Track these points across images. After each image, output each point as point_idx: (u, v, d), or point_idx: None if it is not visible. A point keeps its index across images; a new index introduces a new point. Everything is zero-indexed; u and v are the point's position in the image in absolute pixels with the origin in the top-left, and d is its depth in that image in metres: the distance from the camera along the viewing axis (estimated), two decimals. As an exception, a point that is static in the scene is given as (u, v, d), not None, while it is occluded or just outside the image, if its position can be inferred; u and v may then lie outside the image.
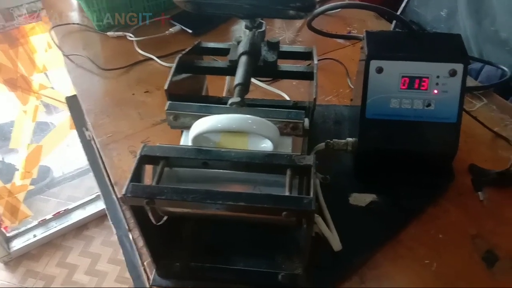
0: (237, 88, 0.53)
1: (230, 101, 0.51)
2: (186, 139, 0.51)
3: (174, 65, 0.58)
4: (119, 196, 0.73)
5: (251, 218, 0.53)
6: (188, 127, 0.50)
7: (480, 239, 0.62)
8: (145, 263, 0.62)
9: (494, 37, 1.20)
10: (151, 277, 0.58)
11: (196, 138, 0.48)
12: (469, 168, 0.71)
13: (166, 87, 0.54)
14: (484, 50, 1.17)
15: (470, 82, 0.90)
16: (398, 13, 0.66)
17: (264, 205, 0.42)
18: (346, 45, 0.99)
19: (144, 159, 0.47)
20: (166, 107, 0.51)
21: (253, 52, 0.58)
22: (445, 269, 0.59)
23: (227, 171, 0.49)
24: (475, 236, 0.62)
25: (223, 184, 0.50)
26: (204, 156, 0.47)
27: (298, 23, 1.07)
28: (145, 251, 0.57)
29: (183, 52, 0.62)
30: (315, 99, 0.54)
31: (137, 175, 0.46)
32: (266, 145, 0.50)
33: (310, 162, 0.46)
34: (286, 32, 1.04)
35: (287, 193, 0.44)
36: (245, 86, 0.53)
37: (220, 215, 0.53)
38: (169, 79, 0.56)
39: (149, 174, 0.49)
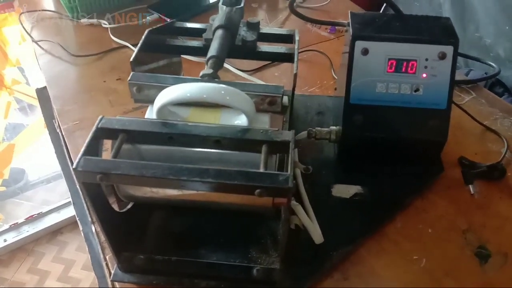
0: (210, 61, 0.48)
1: (201, 73, 0.46)
2: (151, 114, 0.46)
3: (141, 39, 0.53)
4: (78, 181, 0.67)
5: (223, 204, 0.48)
6: (153, 101, 0.45)
7: (472, 234, 0.58)
8: (107, 257, 0.56)
9: (479, 43, 1.20)
10: (112, 272, 0.53)
11: (161, 111, 0.43)
12: (459, 160, 0.67)
13: (131, 59, 0.49)
14: None
15: (459, 76, 0.87)
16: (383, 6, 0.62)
17: (235, 181, 0.37)
18: (330, 38, 0.96)
19: (101, 132, 0.42)
20: (128, 78, 0.46)
21: (229, 26, 0.54)
22: (435, 265, 0.55)
23: (196, 149, 0.44)
24: (466, 231, 0.59)
25: (191, 164, 0.45)
26: (169, 130, 0.42)
27: (281, 15, 1.03)
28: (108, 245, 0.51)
29: (153, 27, 0.57)
30: (295, 74, 0.50)
31: (92, 149, 0.40)
32: (241, 122, 0.46)
33: (288, 137, 0.41)
34: (269, 24, 1.00)
35: (261, 170, 0.39)
36: (219, 59, 0.49)
37: (189, 200, 0.48)
38: (135, 51, 0.51)
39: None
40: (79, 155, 0.39)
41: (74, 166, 0.38)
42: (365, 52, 0.59)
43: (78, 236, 1.80)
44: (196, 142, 0.43)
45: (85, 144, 0.40)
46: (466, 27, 1.25)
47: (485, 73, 0.94)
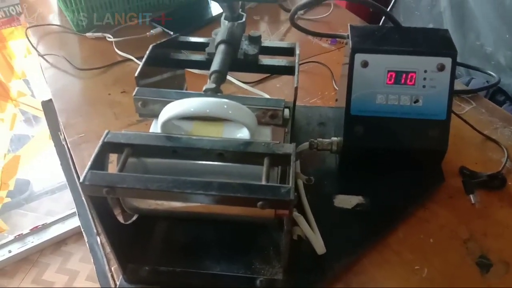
0: (213, 75, 0.49)
1: (204, 87, 0.47)
2: (156, 128, 0.47)
3: (146, 54, 0.54)
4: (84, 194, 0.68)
5: (226, 215, 0.49)
6: (157, 115, 0.46)
7: (473, 243, 0.59)
8: (112, 269, 0.57)
9: (480, 51, 1.21)
10: (118, 283, 0.53)
11: (165, 125, 0.44)
12: (460, 170, 0.68)
13: (136, 74, 0.50)
14: (470, 64, 1.17)
15: (459, 86, 0.88)
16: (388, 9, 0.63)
17: (238, 194, 0.38)
18: (331, 49, 0.97)
19: (107, 147, 0.43)
20: (134, 93, 0.47)
21: (231, 41, 0.55)
22: (436, 275, 0.55)
23: (200, 162, 0.45)
24: (468, 240, 0.59)
25: (194, 176, 0.46)
26: (174, 143, 0.43)
27: (283, 27, 1.05)
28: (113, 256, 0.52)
29: (158, 42, 0.59)
30: (296, 88, 0.51)
31: (98, 163, 0.41)
32: (243, 135, 0.46)
33: (289, 150, 0.42)
34: (270, 36, 1.01)
35: (263, 183, 0.40)
36: (221, 73, 0.50)
37: (193, 211, 0.49)
38: (140, 66, 0.52)
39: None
40: (86, 169, 0.40)
41: (81, 180, 0.39)
42: (365, 64, 0.60)
43: (82, 247, 1.80)
44: (199, 155, 0.44)
45: (91, 158, 0.41)
46: (466, 36, 1.26)
47: (487, 81, 0.95)
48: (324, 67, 0.90)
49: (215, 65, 0.50)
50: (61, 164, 0.97)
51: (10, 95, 1.46)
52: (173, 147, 0.43)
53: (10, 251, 1.73)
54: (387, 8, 0.68)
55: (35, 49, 0.96)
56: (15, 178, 1.68)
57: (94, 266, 0.75)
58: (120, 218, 0.52)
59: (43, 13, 1.10)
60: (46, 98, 1.00)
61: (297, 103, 0.59)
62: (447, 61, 0.59)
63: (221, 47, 0.54)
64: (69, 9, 0.96)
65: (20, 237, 1.77)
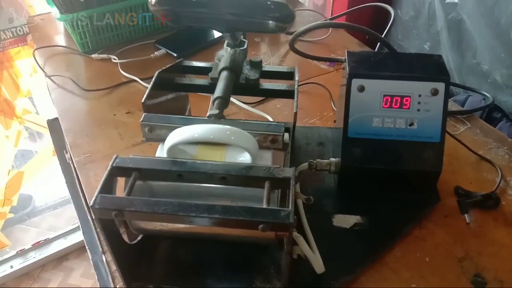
0: (216, 101, 0.52)
1: (208, 113, 0.49)
2: (162, 152, 0.49)
3: (152, 80, 0.57)
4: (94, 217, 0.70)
5: (228, 236, 0.51)
6: (164, 140, 0.49)
7: (468, 262, 0.60)
8: (117, 287, 0.58)
9: (476, 69, 1.23)
10: (122, 301, 0.55)
11: (171, 150, 0.47)
12: (455, 190, 0.70)
13: (143, 100, 0.53)
14: (467, 82, 1.19)
15: (454, 106, 0.90)
16: (383, 36, 0.66)
17: (240, 217, 0.40)
18: (329, 71, 1.00)
19: (116, 171, 0.45)
20: (141, 119, 0.50)
21: (234, 67, 0.58)
22: (432, 293, 0.57)
23: (204, 185, 0.48)
24: (463, 259, 0.61)
25: (198, 199, 0.48)
26: (179, 168, 0.45)
27: (283, 49, 1.08)
28: (118, 274, 0.54)
29: (163, 68, 0.61)
30: (295, 113, 0.53)
31: (107, 186, 0.43)
32: (245, 159, 0.49)
33: (289, 174, 0.45)
34: (271, 58, 1.04)
35: (264, 206, 0.42)
36: (224, 99, 0.52)
37: (196, 232, 0.51)
38: (147, 92, 0.54)
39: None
40: (96, 193, 0.42)
41: (91, 204, 0.41)
42: (361, 89, 0.62)
43: (84, 262, 1.81)
44: (203, 179, 0.46)
45: (101, 182, 0.43)
46: (463, 54, 1.29)
47: (483, 99, 0.97)
48: (323, 88, 0.93)
49: (218, 91, 0.53)
50: (66, 182, 0.99)
51: (16, 113, 1.49)
52: (179, 171, 0.45)
53: (11, 267, 1.74)
54: (385, 30, 0.70)
55: (42, 70, 0.99)
56: (18, 194, 1.70)
57: (98, 282, 0.76)
58: (125, 237, 0.54)
59: (48, 31, 1.13)
60: (51, 117, 1.02)
61: (297, 123, 0.61)
62: (440, 86, 0.61)
63: (224, 73, 0.56)
64: (75, 32, 0.99)
65: (22, 253, 1.78)
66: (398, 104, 0.62)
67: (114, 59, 1.00)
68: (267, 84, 0.65)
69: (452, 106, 0.90)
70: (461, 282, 0.58)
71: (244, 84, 0.62)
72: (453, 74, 1.19)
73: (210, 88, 0.61)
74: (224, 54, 0.61)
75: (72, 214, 1.89)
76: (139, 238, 0.55)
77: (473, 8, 1.16)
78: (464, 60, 1.29)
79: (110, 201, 0.41)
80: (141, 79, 0.93)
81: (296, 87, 0.58)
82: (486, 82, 1.22)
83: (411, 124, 0.63)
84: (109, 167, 0.45)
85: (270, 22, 0.50)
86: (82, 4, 0.96)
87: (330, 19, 1.14)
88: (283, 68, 0.69)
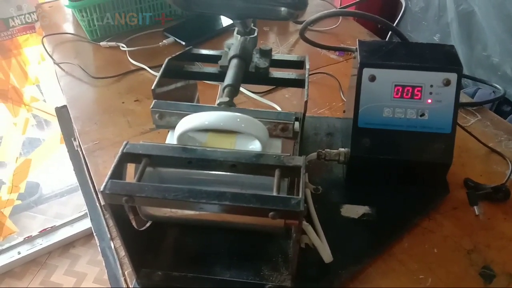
0: (227, 89, 0.51)
1: (218, 101, 0.49)
2: (172, 139, 0.49)
3: (162, 67, 0.57)
4: (102, 204, 0.70)
5: (237, 223, 0.51)
6: (173, 127, 0.48)
7: (476, 254, 0.60)
8: (126, 273, 0.59)
9: (486, 62, 1.22)
10: (131, 287, 0.55)
11: (181, 137, 0.46)
12: (464, 182, 0.69)
13: (153, 87, 0.53)
14: (476, 75, 1.18)
15: (464, 98, 0.89)
16: (394, 25, 0.65)
17: (250, 204, 0.40)
18: (339, 61, 0.99)
19: (126, 157, 0.45)
20: (151, 106, 0.50)
21: (243, 55, 0.57)
22: (440, 285, 0.56)
23: (213, 172, 0.47)
24: (471, 251, 0.60)
25: (208, 186, 0.48)
26: (189, 155, 0.45)
27: (292, 38, 1.07)
28: (126, 260, 0.54)
29: (173, 55, 0.61)
30: (306, 101, 0.53)
31: (117, 172, 0.44)
32: (255, 147, 0.48)
33: (299, 163, 0.44)
34: (279, 47, 1.04)
35: (274, 194, 0.42)
36: (234, 87, 0.52)
37: (205, 219, 0.51)
38: (156, 79, 0.54)
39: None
40: (106, 179, 0.42)
41: (101, 189, 0.41)
42: (372, 78, 0.62)
43: (90, 250, 1.83)
44: (213, 166, 0.46)
45: (111, 168, 0.43)
46: (473, 46, 1.27)
47: (493, 91, 0.96)
48: (332, 78, 0.92)
49: (228, 79, 0.52)
50: (74, 169, 0.99)
51: (24, 100, 1.50)
52: (189, 158, 0.45)
53: (19, 253, 1.76)
54: (395, 19, 0.69)
55: (51, 57, 0.99)
56: (25, 181, 1.71)
57: (106, 269, 0.77)
58: (133, 223, 0.54)
59: (56, 19, 1.13)
60: (59, 104, 1.03)
61: (306, 113, 0.60)
62: (453, 77, 0.61)
63: (234, 61, 0.56)
64: (84, 19, 0.99)
65: (29, 239, 1.80)
66: (409, 94, 0.62)
67: (123, 47, 1.00)
68: (276, 73, 0.65)
69: (463, 98, 0.89)
70: (469, 275, 0.58)
71: (253, 73, 0.62)
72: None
73: (219, 76, 0.61)
74: (234, 42, 0.61)
75: (78, 202, 1.90)
76: (147, 225, 0.56)
77: (484, 0, 1.15)
78: (474, 53, 1.27)
79: (120, 186, 0.41)
80: (150, 67, 0.93)
81: (307, 75, 0.58)
82: (495, 75, 1.21)
83: (422, 115, 0.62)
84: (119, 153, 0.45)
85: (282, 8, 0.50)
86: (90, -9, 0.95)
87: (341, 8, 1.13)
88: (293, 57, 0.68)
